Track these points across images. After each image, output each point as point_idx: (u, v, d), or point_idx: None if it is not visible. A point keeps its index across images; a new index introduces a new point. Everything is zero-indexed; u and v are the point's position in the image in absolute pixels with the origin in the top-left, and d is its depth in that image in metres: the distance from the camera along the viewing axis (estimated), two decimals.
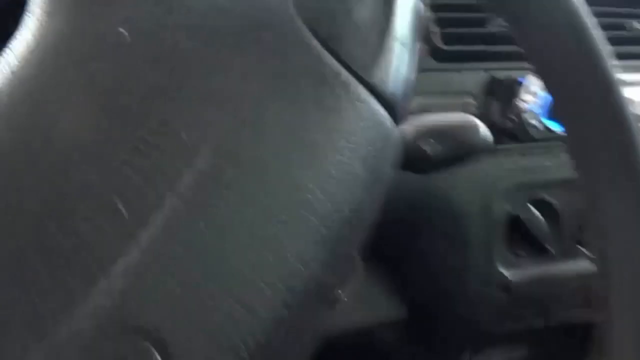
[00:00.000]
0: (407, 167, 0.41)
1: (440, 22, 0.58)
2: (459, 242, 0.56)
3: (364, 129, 0.26)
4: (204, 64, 0.23)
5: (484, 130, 0.45)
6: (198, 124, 0.22)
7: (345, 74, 0.25)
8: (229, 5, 0.24)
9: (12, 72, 0.22)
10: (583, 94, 0.27)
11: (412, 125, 0.41)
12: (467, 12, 0.60)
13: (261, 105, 0.23)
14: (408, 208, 0.54)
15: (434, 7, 0.57)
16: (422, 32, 0.31)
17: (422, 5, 0.31)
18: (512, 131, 0.57)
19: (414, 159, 0.42)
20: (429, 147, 0.43)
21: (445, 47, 0.58)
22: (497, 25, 0.60)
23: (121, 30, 0.23)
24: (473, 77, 0.58)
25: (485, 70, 0.58)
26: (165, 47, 0.23)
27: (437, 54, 0.58)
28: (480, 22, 0.61)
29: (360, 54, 0.26)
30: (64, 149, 0.21)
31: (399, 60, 0.28)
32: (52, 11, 0.23)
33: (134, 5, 0.23)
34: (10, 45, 0.23)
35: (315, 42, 0.25)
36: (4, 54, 0.23)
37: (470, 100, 0.57)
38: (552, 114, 0.56)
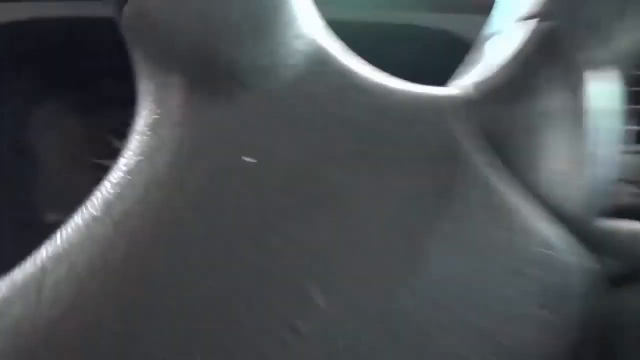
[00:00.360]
0: None
1: None
2: None
3: (554, 289, 0.19)
4: (346, 194, 0.18)
5: None
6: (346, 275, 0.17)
7: (532, 212, 0.19)
8: (372, 125, 0.19)
9: (114, 209, 0.17)
10: None
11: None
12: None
13: (417, 251, 0.18)
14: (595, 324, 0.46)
15: None
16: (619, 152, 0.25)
17: (621, 116, 0.24)
18: None
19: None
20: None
21: None
22: None
23: (246, 159, 0.18)
24: (635, 162, 0.49)
25: None
26: (300, 176, 0.18)
27: None
28: None
29: (553, 187, 0.20)
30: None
31: (601, 188, 0.21)
32: (159, 132, 0.18)
33: (257, 129, 0.18)
34: (110, 176, 0.18)
35: (488, 170, 0.19)
36: (103, 187, 0.18)
37: (631, 189, 0.49)
38: None
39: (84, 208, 0.18)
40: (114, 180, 0.18)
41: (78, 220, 0.17)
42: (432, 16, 0.55)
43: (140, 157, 0.18)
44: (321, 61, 0.19)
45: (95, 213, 0.17)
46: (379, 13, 0.55)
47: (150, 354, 0.15)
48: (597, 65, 0.21)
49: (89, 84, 0.82)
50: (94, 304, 0.16)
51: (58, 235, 0.18)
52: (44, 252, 0.17)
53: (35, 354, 0.15)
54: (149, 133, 0.18)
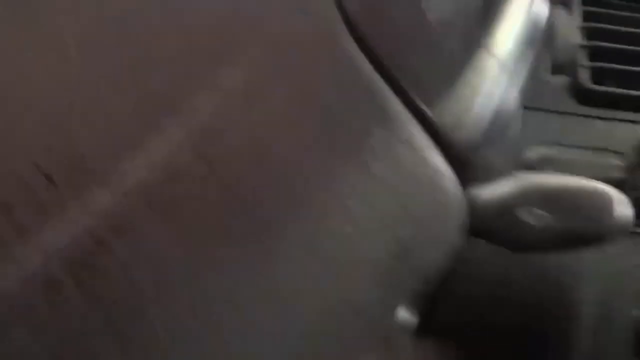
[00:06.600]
0: (497, 240, 0.30)
1: (592, 53, 0.44)
2: (566, 346, 0.42)
3: (417, 196, 0.19)
4: None
5: (622, 207, 0.32)
6: None
7: (400, 110, 0.18)
8: None
9: None
10: None
11: (514, 184, 0.29)
12: (632, 44, 0.46)
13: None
14: (499, 285, 0.41)
15: (586, 30, 0.44)
16: (543, 52, 0.23)
17: (547, 11, 0.21)
18: None
19: (507, 230, 0.30)
20: (533, 218, 0.31)
21: (593, 87, 0.45)
22: None
23: None
24: (625, 130, 0.44)
25: None
26: None
27: (581, 95, 0.45)
28: None
29: (428, 79, 0.18)
30: None
31: (491, 90, 0.19)
32: None
33: None
34: None
35: (367, 65, 0.18)
36: None
37: (616, 161, 0.43)
38: None
39: None
40: None
41: None
42: None
43: None
44: None
45: None
46: None
47: None
48: None
49: None
50: None
51: None
52: None
53: None
54: None
